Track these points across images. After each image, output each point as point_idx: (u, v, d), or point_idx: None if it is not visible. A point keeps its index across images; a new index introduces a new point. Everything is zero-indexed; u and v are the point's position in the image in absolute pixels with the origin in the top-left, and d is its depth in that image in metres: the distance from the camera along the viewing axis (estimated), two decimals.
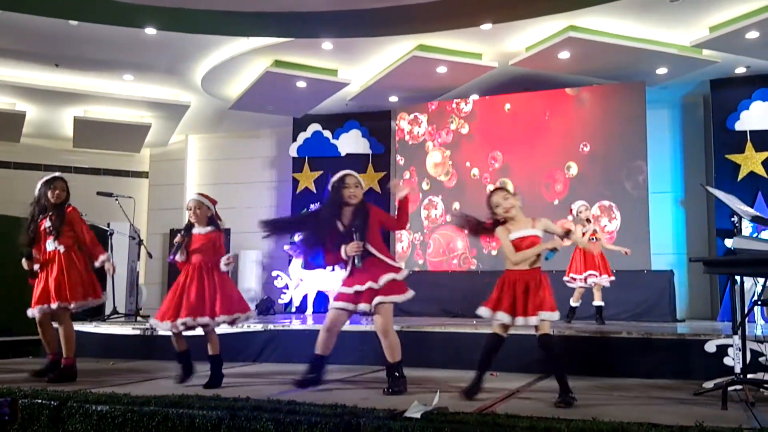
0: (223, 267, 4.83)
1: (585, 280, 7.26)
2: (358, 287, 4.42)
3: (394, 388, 4.31)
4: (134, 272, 10.06)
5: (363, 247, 4.42)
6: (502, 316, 4.08)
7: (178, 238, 4.87)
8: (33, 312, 5.15)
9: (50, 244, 5.16)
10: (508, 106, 10.05)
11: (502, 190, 4.31)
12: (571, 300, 7.34)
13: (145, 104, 10.68)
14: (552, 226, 4.27)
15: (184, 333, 4.82)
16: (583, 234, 7.27)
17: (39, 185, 5.27)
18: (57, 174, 5.37)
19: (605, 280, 7.25)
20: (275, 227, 4.72)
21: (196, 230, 4.91)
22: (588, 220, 7.41)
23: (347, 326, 6.51)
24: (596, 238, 7.41)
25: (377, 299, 4.35)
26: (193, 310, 4.68)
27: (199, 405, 3.70)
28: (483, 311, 4.19)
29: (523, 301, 4.07)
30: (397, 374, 4.39)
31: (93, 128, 11.03)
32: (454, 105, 10.34)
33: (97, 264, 5.21)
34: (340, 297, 4.50)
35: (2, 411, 2.13)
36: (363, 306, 4.41)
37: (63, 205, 5.25)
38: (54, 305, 5.04)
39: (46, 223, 5.17)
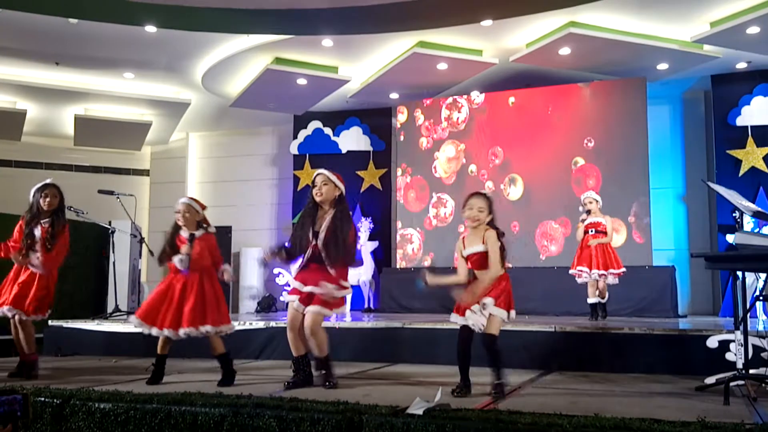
0: (226, 277, 4.83)
1: (579, 276, 7.23)
2: (299, 285, 4.53)
3: (330, 381, 4.44)
4: (136, 270, 10.08)
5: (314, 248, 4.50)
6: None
7: (185, 249, 4.76)
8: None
9: (34, 256, 5.16)
10: (512, 99, 10.03)
11: (481, 198, 4.28)
12: (588, 298, 7.29)
13: (146, 102, 10.68)
14: (490, 249, 4.19)
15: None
16: (580, 223, 7.32)
17: (33, 191, 5.29)
18: (48, 181, 5.37)
19: (595, 275, 7.15)
20: (287, 255, 4.72)
21: (184, 233, 4.88)
22: (588, 212, 7.31)
23: (349, 323, 6.55)
24: (595, 230, 7.26)
25: (310, 308, 4.43)
26: (194, 319, 4.65)
27: (202, 402, 3.70)
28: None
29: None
30: (328, 368, 4.51)
31: (94, 126, 11.03)
32: (449, 101, 10.34)
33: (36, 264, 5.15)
34: (292, 291, 4.61)
35: (13, 408, 2.13)
36: (297, 305, 4.53)
37: (57, 212, 5.26)
38: (13, 312, 5.08)
39: (36, 232, 5.17)
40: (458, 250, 4.33)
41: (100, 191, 8.73)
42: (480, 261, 4.18)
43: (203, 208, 5.03)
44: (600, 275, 7.16)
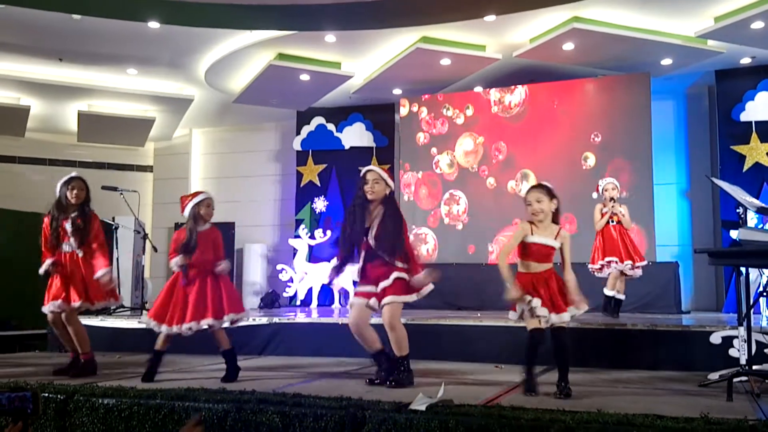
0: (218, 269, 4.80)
1: (604, 267, 6.78)
2: (371, 288, 4.43)
3: (398, 380, 4.31)
4: (139, 266, 10.07)
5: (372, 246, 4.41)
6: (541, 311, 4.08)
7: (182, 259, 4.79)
8: (46, 309, 5.14)
9: (67, 246, 5.15)
10: (517, 96, 10.01)
11: (537, 189, 4.26)
12: (605, 288, 6.87)
13: (149, 98, 10.68)
14: (566, 251, 4.25)
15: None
16: (602, 215, 6.87)
17: (59, 185, 5.26)
18: (73, 174, 5.36)
19: (627, 267, 6.72)
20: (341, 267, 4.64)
21: (200, 228, 4.91)
22: (612, 200, 6.85)
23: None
24: (616, 221, 6.86)
25: (386, 299, 4.36)
26: (198, 313, 4.67)
27: (205, 398, 3.71)
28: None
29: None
30: (402, 368, 4.39)
31: (97, 122, 11.04)
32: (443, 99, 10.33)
33: (95, 276, 5.10)
34: (357, 294, 4.52)
35: (25, 404, 2.13)
36: (373, 302, 4.43)
37: (84, 205, 5.24)
38: (76, 304, 5.05)
39: (68, 225, 5.15)
40: (518, 237, 4.22)
41: (103, 187, 8.72)
42: (545, 254, 4.18)
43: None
44: (634, 267, 6.75)
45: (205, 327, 4.72)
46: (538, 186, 4.31)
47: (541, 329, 4.09)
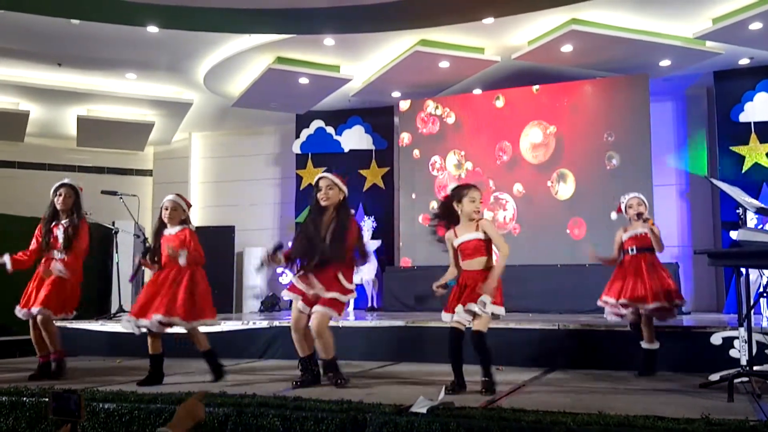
0: (181, 261, 4.75)
1: (621, 308, 5.03)
2: (305, 288, 4.54)
3: (339, 380, 4.46)
4: (139, 271, 10.07)
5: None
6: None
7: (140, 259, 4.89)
8: (19, 314, 5.22)
9: (58, 253, 5.20)
10: (536, 88, 9.95)
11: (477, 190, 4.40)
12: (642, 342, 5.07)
13: (148, 102, 10.69)
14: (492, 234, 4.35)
15: (162, 331, 4.79)
16: (621, 233, 5.23)
17: (51, 192, 5.33)
18: (66, 180, 5.40)
19: (652, 307, 4.92)
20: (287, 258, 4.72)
21: (167, 231, 4.92)
22: (640, 217, 5.08)
23: (352, 323, 6.56)
24: (637, 248, 5.09)
25: (317, 307, 4.47)
26: (168, 309, 4.68)
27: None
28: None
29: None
30: (335, 369, 4.55)
31: (96, 127, 11.04)
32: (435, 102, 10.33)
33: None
34: (292, 288, 4.64)
35: (71, 407, 2.15)
36: (302, 306, 4.57)
37: (74, 212, 5.27)
38: (34, 310, 5.10)
39: (58, 233, 5.21)
40: (449, 242, 4.42)
41: (103, 192, 8.74)
42: (476, 249, 4.29)
43: (189, 206, 5.08)
44: (652, 310, 4.93)
45: (172, 324, 4.73)
46: (476, 186, 4.44)
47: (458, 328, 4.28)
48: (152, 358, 4.80)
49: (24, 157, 11.66)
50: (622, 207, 5.23)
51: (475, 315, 4.20)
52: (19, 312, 5.21)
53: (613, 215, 5.36)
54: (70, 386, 4.42)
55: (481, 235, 4.29)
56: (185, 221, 4.97)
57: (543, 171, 9.71)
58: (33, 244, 5.32)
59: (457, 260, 4.39)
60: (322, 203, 4.62)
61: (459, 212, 4.36)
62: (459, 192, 4.38)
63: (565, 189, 9.60)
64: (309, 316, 4.55)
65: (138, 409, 3.71)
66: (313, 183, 4.73)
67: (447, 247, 4.46)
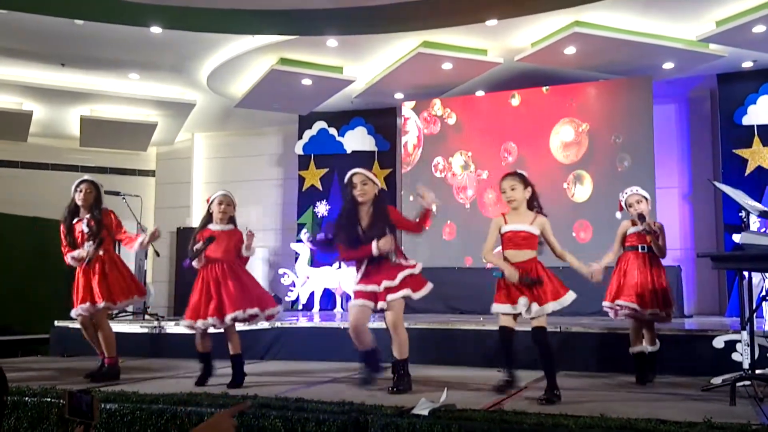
0: (245, 252, 4.88)
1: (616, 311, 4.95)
2: (374, 287, 4.43)
3: (398, 386, 4.30)
4: (141, 271, 10.08)
5: (394, 242, 4.43)
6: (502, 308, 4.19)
7: (199, 245, 4.76)
8: (74, 312, 5.20)
9: (88, 247, 5.19)
10: (516, 100, 10.00)
11: (511, 177, 4.29)
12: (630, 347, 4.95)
13: (151, 103, 10.70)
14: (548, 235, 4.30)
15: (209, 331, 4.81)
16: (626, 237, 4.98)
17: (72, 188, 5.35)
18: (85, 177, 5.42)
19: (648, 314, 4.80)
20: (326, 247, 4.72)
21: (218, 227, 4.89)
22: (641, 217, 4.82)
23: None
24: (642, 246, 4.88)
25: (390, 296, 4.39)
26: (220, 308, 4.69)
27: (208, 403, 3.71)
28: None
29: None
30: (402, 372, 4.39)
31: (99, 127, 11.06)
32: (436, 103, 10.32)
33: (136, 247, 5.27)
34: (358, 295, 4.52)
35: (84, 409, 2.15)
36: (381, 304, 4.44)
37: (95, 207, 5.28)
38: (100, 305, 5.08)
39: (83, 227, 5.21)
40: (495, 226, 4.28)
41: (105, 192, 8.69)
42: (526, 241, 4.20)
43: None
44: (652, 314, 4.83)
45: (250, 315, 4.75)
46: (513, 174, 4.34)
47: (510, 328, 4.19)
48: (202, 357, 4.80)
49: (27, 157, 11.68)
50: (622, 204, 5.03)
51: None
52: (79, 309, 5.13)
53: (618, 214, 5.33)
54: (71, 386, 4.42)
55: (535, 230, 4.21)
56: (233, 218, 5.02)
57: (545, 172, 9.69)
58: (64, 247, 5.29)
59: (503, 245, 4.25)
60: (360, 199, 4.51)
61: (516, 198, 4.23)
62: (526, 179, 4.28)
63: (582, 191, 9.55)
64: (371, 311, 4.48)
65: (140, 410, 3.71)
66: (345, 181, 4.60)
67: (491, 230, 4.28)
